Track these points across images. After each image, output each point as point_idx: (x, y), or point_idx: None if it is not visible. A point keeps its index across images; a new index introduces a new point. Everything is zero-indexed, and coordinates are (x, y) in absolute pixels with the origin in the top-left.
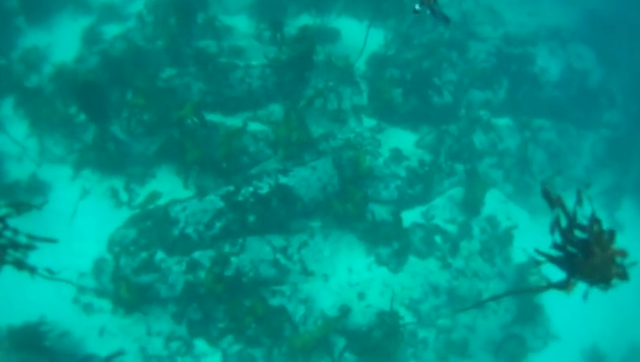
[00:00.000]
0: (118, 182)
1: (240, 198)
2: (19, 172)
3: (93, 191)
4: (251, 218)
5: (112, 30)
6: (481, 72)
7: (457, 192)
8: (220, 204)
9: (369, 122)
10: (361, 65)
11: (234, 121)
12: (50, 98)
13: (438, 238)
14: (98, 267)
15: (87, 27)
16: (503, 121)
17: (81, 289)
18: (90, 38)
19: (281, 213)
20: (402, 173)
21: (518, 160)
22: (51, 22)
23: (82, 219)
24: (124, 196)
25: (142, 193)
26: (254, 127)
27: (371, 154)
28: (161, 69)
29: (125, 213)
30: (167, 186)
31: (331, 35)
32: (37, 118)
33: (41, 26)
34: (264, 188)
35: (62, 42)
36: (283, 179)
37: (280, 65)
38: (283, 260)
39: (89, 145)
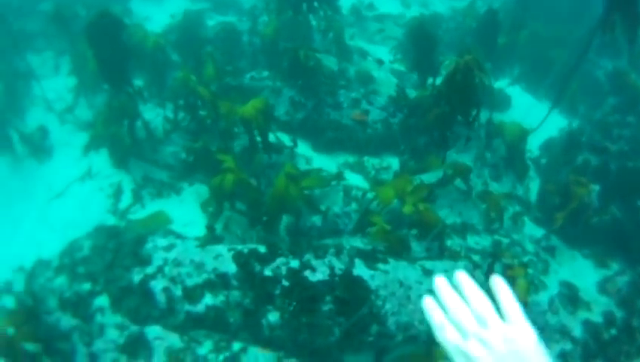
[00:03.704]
0: (129, 182)
1: (268, 273)
2: (37, 121)
3: (97, 178)
4: (273, 317)
5: (222, 19)
6: None
7: None
8: (229, 267)
9: (533, 230)
10: (533, 147)
11: (326, 162)
12: None
13: None
14: (34, 271)
15: (194, 9)
16: None
17: (6, 289)
18: (190, 17)
19: (333, 334)
20: (577, 330)
21: None
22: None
23: (65, 205)
24: (125, 201)
25: (149, 208)
26: (352, 179)
27: (532, 283)
28: (257, 68)
29: (110, 222)
30: (187, 213)
31: (500, 101)
32: (82, 73)
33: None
34: (318, 272)
35: (164, 18)
36: (361, 270)
37: (417, 105)
38: None
39: (102, 113)
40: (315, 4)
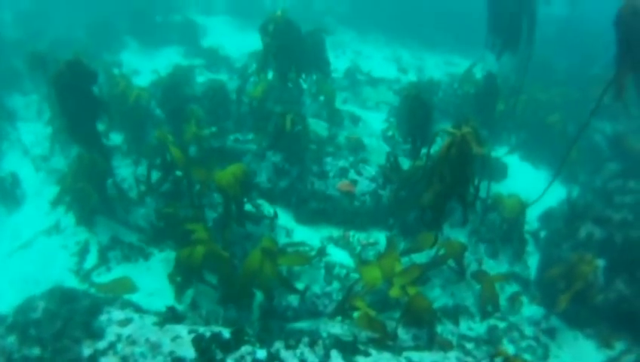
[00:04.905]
0: (96, 241)
1: None
2: (12, 166)
3: (64, 234)
4: None
5: (213, 76)
6: None
7: None
8: (187, 352)
9: (532, 311)
10: (531, 219)
11: (308, 234)
12: None
13: None
14: None
15: (186, 65)
16: None
17: None
18: (179, 72)
19: None
20: None
21: None
22: (158, 52)
23: (28, 259)
24: (90, 261)
25: (116, 272)
26: (337, 254)
27: None
28: (242, 130)
29: (72, 283)
30: (154, 281)
31: (497, 171)
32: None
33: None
34: None
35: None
36: None
37: (409, 178)
38: None
39: (72, 166)
40: (305, 70)
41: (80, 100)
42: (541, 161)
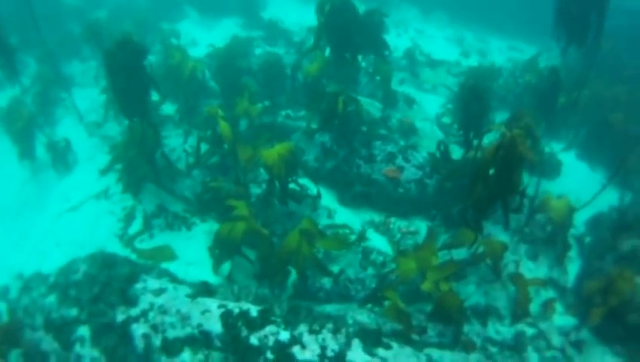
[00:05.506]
0: (142, 209)
1: (254, 341)
2: (66, 131)
3: (112, 199)
4: None
5: (270, 49)
6: None
7: None
8: (215, 326)
9: (565, 321)
10: (578, 222)
11: (350, 217)
12: None
13: None
14: (29, 284)
15: (243, 37)
16: None
17: (2, 295)
18: (235, 45)
19: None
20: None
21: None
22: (217, 23)
23: (76, 222)
24: (135, 227)
25: (158, 239)
26: (376, 240)
27: None
28: (294, 106)
29: (115, 247)
30: (194, 251)
31: (551, 168)
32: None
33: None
34: (308, 350)
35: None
36: (356, 355)
37: (456, 169)
38: None
39: (124, 135)
40: (361, 51)
41: (131, 77)
42: (598, 161)
